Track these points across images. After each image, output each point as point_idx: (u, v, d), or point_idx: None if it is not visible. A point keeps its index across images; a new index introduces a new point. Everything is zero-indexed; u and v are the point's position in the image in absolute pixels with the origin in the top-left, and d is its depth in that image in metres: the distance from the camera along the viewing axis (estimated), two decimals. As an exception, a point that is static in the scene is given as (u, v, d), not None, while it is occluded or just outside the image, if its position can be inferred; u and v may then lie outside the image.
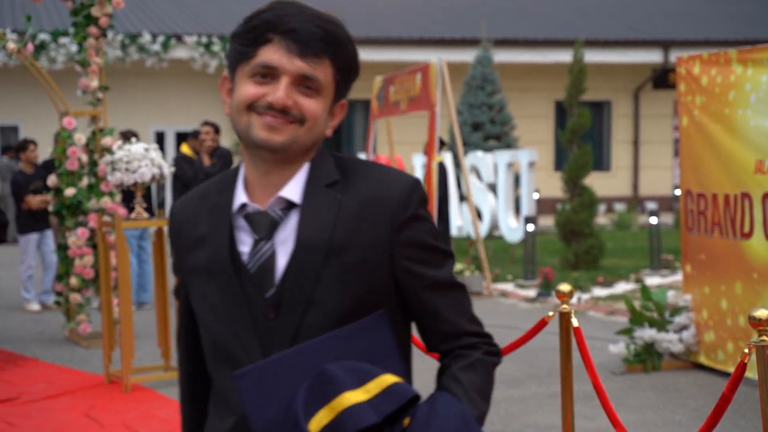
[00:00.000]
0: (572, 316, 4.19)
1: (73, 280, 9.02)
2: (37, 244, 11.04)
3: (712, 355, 7.43)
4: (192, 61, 21.62)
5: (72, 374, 7.78)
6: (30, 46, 8.73)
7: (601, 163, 25.14)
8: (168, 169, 7.58)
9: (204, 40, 21.39)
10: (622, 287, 12.00)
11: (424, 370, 8.11)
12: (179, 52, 21.43)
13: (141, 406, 6.79)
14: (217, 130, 11.35)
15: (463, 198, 16.02)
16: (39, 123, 20.52)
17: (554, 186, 22.96)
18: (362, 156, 17.59)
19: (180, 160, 12.06)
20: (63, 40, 20.24)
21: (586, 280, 12.19)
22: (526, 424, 6.19)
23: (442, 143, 12.76)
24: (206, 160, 11.28)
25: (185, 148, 12.20)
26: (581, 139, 13.65)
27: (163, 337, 7.65)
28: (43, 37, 20.27)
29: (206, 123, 11.40)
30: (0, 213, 9.01)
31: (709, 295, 7.40)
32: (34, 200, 10.62)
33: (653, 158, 25.44)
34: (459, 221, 15.39)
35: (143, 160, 7.38)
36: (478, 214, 15.10)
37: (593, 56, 22.50)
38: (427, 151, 12.03)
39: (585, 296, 11.35)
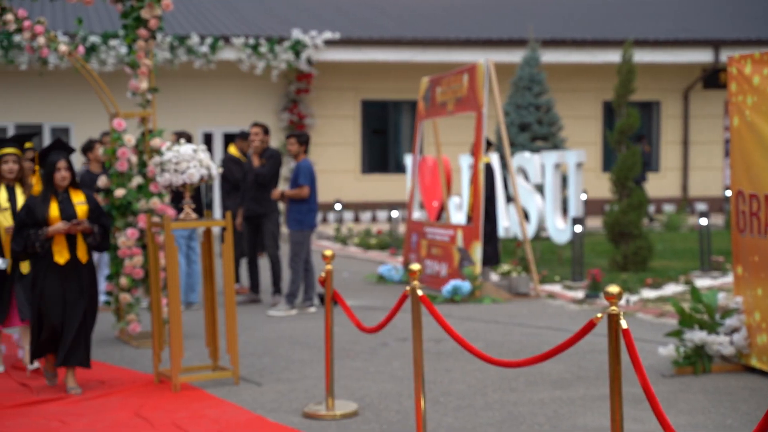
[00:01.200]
0: (621, 317, 4.15)
1: (123, 280, 9.11)
2: None
3: (765, 357, 7.33)
4: (239, 62, 21.77)
5: (122, 373, 7.86)
6: (81, 49, 8.84)
7: (650, 163, 24.92)
8: (216, 170, 7.63)
9: (251, 41, 21.53)
10: (671, 289, 11.88)
11: (471, 372, 8.09)
12: (227, 54, 21.59)
13: (190, 405, 6.85)
14: (266, 131, 11.40)
15: (510, 199, 15.95)
16: (90, 124, 20.76)
17: (602, 187, 22.78)
18: (409, 157, 17.57)
19: (228, 162, 12.14)
20: (113, 42, 20.48)
21: (635, 282, 12.08)
22: (575, 426, 6.15)
23: (489, 144, 12.72)
24: (256, 161, 11.34)
25: (233, 149, 12.28)
26: (630, 140, 13.54)
27: (212, 337, 7.70)
28: (94, 39, 20.52)
29: (256, 124, 11.47)
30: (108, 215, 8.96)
31: (763, 297, 7.30)
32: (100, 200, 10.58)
33: (703, 159, 25.16)
34: (506, 222, 15.33)
35: (192, 161, 7.43)
36: (525, 215, 15.03)
37: (642, 56, 22.32)
38: (474, 152, 11.99)
39: (634, 298, 11.26)
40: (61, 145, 7.31)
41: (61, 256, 7.13)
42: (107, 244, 7.38)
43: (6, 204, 7.89)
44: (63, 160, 7.13)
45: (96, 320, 7.42)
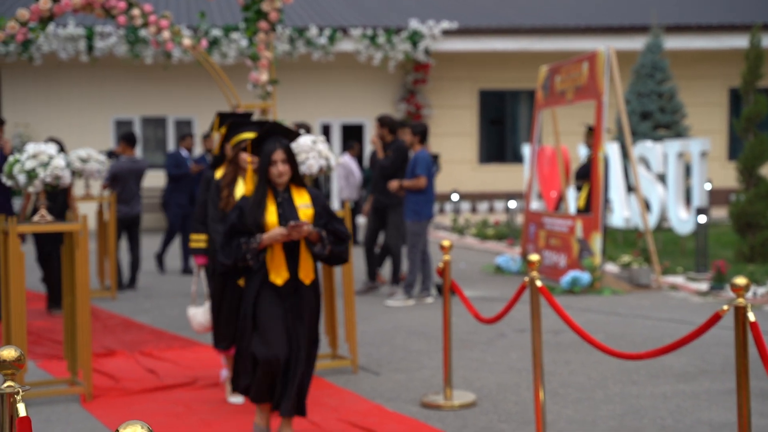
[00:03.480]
0: (749, 310, 4.03)
1: (245, 269, 9.27)
2: None
3: None
4: (357, 53, 21.92)
5: (243, 360, 7.99)
6: (204, 42, 9.04)
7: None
8: (334, 161, 7.69)
9: (369, 32, 21.64)
10: (801, 281, 11.49)
11: (591, 364, 7.97)
12: (345, 45, 21.77)
13: (310, 393, 6.92)
14: (383, 124, 11.42)
15: (631, 189, 15.66)
16: (212, 116, 21.22)
17: (728, 176, 22.19)
18: (527, 147, 17.42)
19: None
20: (234, 35, 20.87)
21: (762, 274, 11.73)
22: (699, 421, 6.00)
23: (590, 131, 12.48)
24: (380, 153, 11.43)
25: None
26: (757, 128, 13.14)
27: (330, 327, 7.78)
28: (216, 32, 20.95)
29: (379, 118, 11.54)
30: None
31: None
32: None
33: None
34: (626, 212, 15.07)
35: (311, 152, 7.51)
36: (647, 206, 14.74)
37: (770, 41, 21.61)
38: (594, 141, 11.81)
39: (761, 290, 10.93)
40: (280, 130, 5.70)
41: (278, 275, 5.46)
42: (344, 255, 5.62)
43: None
44: (280, 150, 5.45)
45: (317, 357, 5.83)
